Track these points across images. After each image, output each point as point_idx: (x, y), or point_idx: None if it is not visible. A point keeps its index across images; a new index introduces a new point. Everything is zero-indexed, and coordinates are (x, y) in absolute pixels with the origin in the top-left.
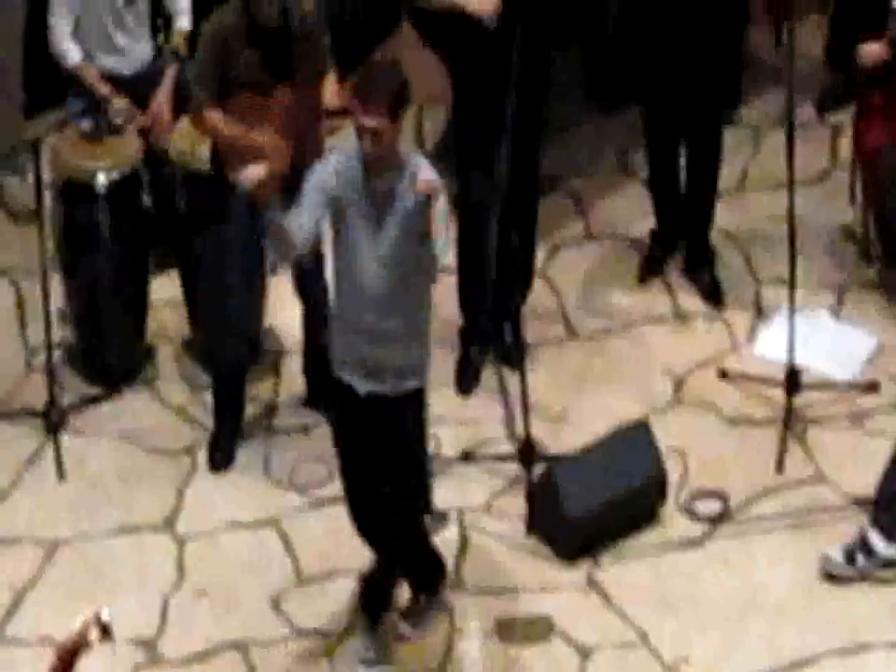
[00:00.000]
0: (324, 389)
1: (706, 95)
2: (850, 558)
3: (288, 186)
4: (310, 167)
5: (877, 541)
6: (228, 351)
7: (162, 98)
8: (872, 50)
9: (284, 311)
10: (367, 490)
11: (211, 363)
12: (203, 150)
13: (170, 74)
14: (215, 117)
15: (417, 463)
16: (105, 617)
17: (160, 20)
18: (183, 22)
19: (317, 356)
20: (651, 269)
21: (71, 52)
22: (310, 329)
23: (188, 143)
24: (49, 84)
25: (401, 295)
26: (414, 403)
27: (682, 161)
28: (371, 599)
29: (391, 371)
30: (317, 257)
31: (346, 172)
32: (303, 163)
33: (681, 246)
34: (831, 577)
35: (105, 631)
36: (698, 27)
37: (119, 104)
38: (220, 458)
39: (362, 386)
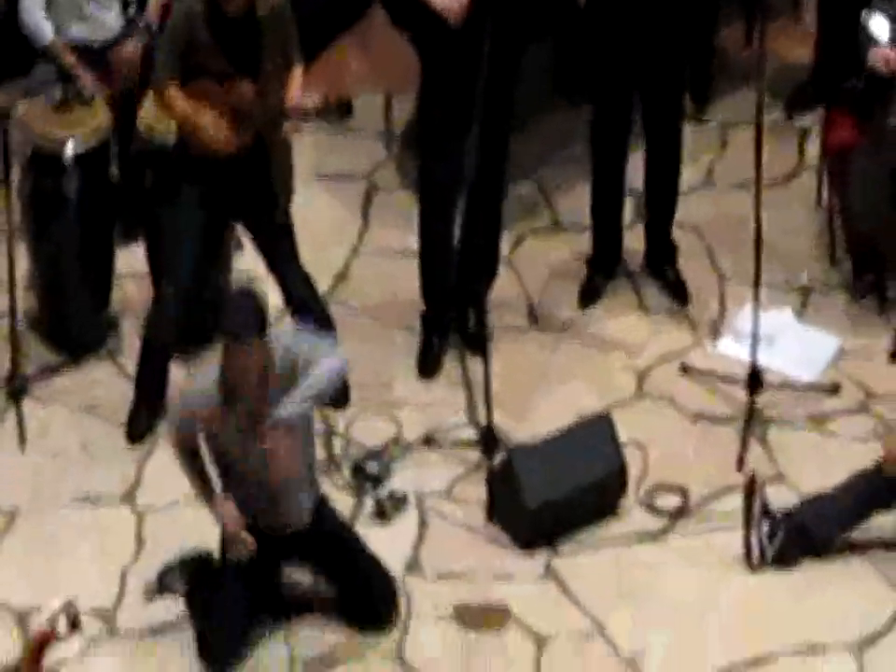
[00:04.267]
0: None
1: (666, 91)
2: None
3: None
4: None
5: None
6: (165, 323)
7: (130, 49)
8: (886, 54)
9: None
10: None
11: (146, 331)
12: (170, 124)
13: (137, 42)
14: (172, 95)
15: None
16: (72, 608)
17: None
18: None
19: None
20: (590, 296)
21: (45, 29)
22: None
23: (155, 115)
24: (17, 53)
25: None
26: None
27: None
28: None
29: None
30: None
31: None
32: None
33: (642, 243)
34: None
35: (74, 623)
36: (658, 22)
37: (86, 81)
38: (136, 430)
39: None
